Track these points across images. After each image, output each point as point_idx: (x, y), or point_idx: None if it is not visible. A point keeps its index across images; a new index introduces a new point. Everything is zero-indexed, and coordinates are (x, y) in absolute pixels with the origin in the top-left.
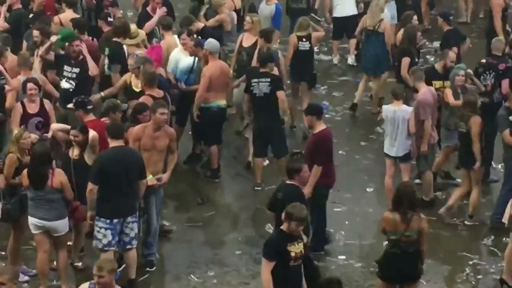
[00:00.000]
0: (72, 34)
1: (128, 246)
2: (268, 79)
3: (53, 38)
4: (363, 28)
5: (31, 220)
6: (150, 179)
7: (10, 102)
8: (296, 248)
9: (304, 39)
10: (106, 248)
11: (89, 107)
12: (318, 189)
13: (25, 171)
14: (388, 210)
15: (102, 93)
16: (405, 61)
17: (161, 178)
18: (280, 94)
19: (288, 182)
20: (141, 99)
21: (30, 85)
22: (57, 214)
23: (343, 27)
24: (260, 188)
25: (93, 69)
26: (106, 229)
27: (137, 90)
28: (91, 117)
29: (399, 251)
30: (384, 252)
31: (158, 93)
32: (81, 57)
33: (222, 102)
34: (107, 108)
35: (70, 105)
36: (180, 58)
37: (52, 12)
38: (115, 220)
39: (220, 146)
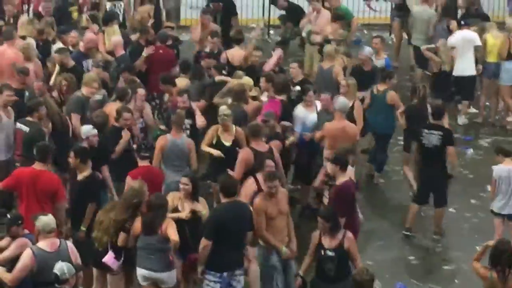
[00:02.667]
0: None
1: None
2: (440, 132)
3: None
4: None
5: (140, 271)
6: (285, 252)
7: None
8: None
9: None
10: None
11: (144, 154)
12: None
13: (138, 220)
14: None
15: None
16: None
17: (289, 249)
18: (451, 149)
19: None
20: (242, 152)
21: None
22: (165, 265)
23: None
24: (409, 233)
25: (200, 122)
26: (215, 282)
27: (227, 144)
28: (144, 163)
29: None
30: None
31: (263, 146)
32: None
33: None
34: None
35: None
36: (306, 115)
37: None
38: (225, 273)
39: None
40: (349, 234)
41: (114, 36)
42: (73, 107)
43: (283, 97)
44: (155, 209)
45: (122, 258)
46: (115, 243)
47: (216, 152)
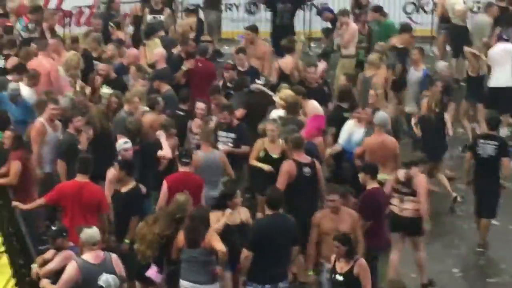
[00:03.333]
0: None
1: None
2: (496, 142)
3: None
4: None
5: (184, 284)
6: (309, 275)
7: None
8: None
9: None
10: None
11: (185, 160)
12: (367, 249)
13: (182, 233)
14: None
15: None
16: None
17: None
18: (506, 160)
19: None
20: (285, 163)
21: None
22: (209, 277)
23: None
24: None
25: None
26: None
27: (276, 156)
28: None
29: None
30: None
31: (305, 158)
32: (237, 123)
33: (381, 176)
34: None
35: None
36: (354, 130)
37: None
38: (267, 286)
39: None
40: (362, 261)
41: (155, 49)
42: (118, 129)
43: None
44: (197, 221)
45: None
46: (158, 257)
47: (267, 167)
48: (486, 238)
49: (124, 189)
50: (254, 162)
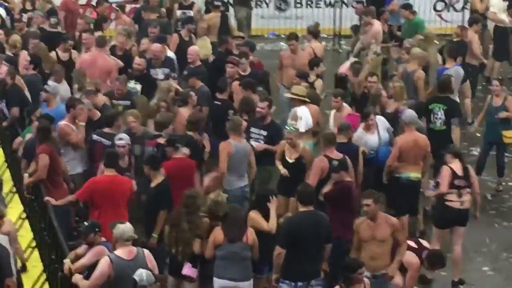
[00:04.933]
0: None
1: None
2: None
3: None
4: None
5: (219, 282)
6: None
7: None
8: None
9: None
10: None
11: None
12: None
13: (218, 230)
14: None
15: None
16: None
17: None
18: None
19: None
20: (317, 159)
21: None
22: (247, 273)
23: None
24: None
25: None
26: None
27: (291, 161)
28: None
29: None
30: None
31: (337, 155)
32: (270, 119)
33: (414, 175)
34: None
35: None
36: (366, 139)
37: None
38: (300, 283)
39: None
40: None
41: (191, 47)
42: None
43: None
44: (238, 215)
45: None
46: (191, 254)
47: (283, 171)
48: None
49: (153, 184)
50: (277, 163)
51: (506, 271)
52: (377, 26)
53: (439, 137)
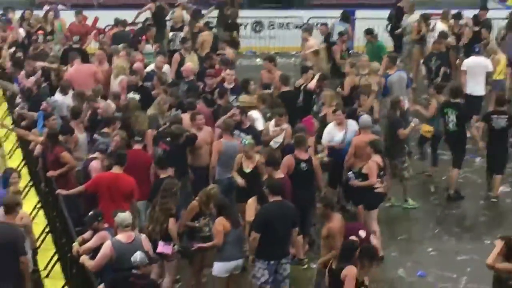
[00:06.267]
0: None
1: (282, 284)
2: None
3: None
4: None
5: (230, 264)
6: None
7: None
8: None
9: None
10: (263, 286)
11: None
12: None
13: (222, 220)
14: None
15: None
16: None
17: None
18: None
19: None
20: (285, 158)
21: None
22: (243, 251)
23: None
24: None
25: None
26: (264, 269)
27: (248, 171)
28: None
29: None
30: None
31: (304, 155)
32: (248, 124)
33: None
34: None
35: None
36: (334, 133)
37: None
38: (272, 262)
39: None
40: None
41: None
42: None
43: None
44: (229, 208)
45: (174, 243)
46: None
47: (240, 181)
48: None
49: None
50: (234, 174)
51: (446, 251)
52: (312, 41)
53: (453, 137)
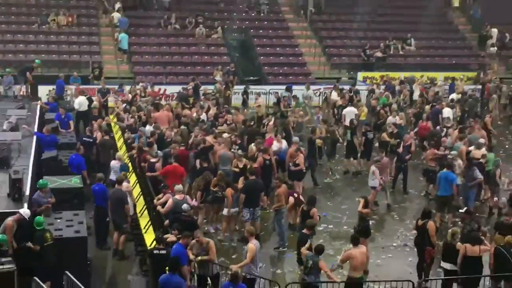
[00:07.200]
0: None
1: (256, 220)
2: None
3: None
4: None
5: (231, 210)
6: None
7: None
8: None
9: None
10: (248, 221)
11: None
12: None
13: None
14: None
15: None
16: None
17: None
18: None
19: None
20: (258, 158)
21: None
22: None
23: None
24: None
25: None
26: (247, 212)
27: (240, 166)
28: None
29: None
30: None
31: (268, 156)
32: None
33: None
34: None
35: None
36: (275, 145)
37: None
38: (251, 209)
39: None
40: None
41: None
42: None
43: None
44: (231, 183)
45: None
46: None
47: (235, 170)
48: None
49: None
50: (233, 168)
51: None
52: (259, 100)
53: None
